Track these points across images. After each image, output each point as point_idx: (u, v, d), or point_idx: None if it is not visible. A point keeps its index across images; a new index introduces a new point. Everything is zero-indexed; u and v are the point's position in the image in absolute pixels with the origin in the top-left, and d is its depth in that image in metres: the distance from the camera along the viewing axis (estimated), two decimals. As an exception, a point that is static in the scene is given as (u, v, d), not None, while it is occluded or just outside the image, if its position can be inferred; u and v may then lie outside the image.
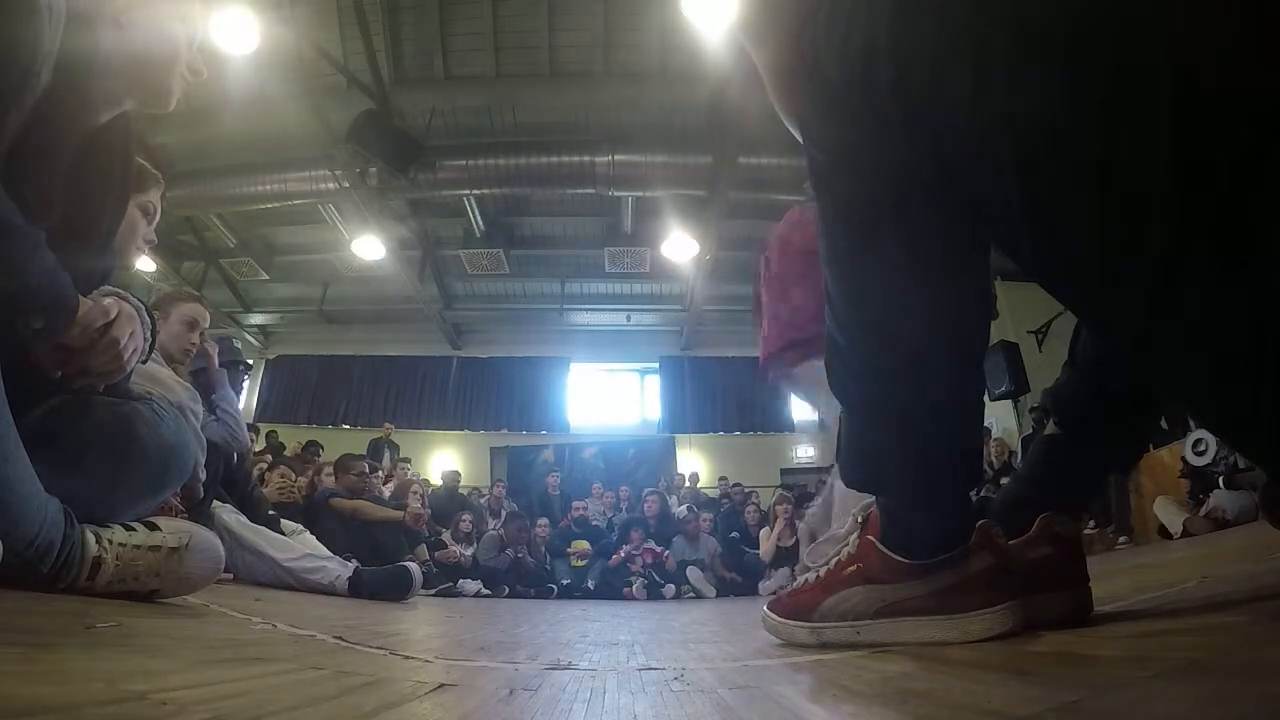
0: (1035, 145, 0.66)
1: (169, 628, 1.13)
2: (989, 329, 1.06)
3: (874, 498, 1.11)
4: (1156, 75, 0.57)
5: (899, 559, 1.04)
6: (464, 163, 8.28)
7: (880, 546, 1.07)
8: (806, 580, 1.20)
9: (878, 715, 0.63)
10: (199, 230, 10.59)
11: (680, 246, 9.48)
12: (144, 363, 1.46)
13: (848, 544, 1.15)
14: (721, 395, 12.86)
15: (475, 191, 8.99)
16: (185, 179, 8.37)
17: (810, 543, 3.21)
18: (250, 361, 9.66)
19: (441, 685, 0.78)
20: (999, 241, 0.79)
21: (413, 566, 3.79)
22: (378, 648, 1.19)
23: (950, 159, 0.76)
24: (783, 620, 1.19)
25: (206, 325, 3.17)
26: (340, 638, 1.29)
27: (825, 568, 1.17)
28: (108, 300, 1.27)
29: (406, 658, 1.08)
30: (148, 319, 1.37)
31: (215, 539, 1.53)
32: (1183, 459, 5.14)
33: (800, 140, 1.01)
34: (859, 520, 1.14)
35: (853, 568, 1.11)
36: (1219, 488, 4.83)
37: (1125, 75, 0.59)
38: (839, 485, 3.73)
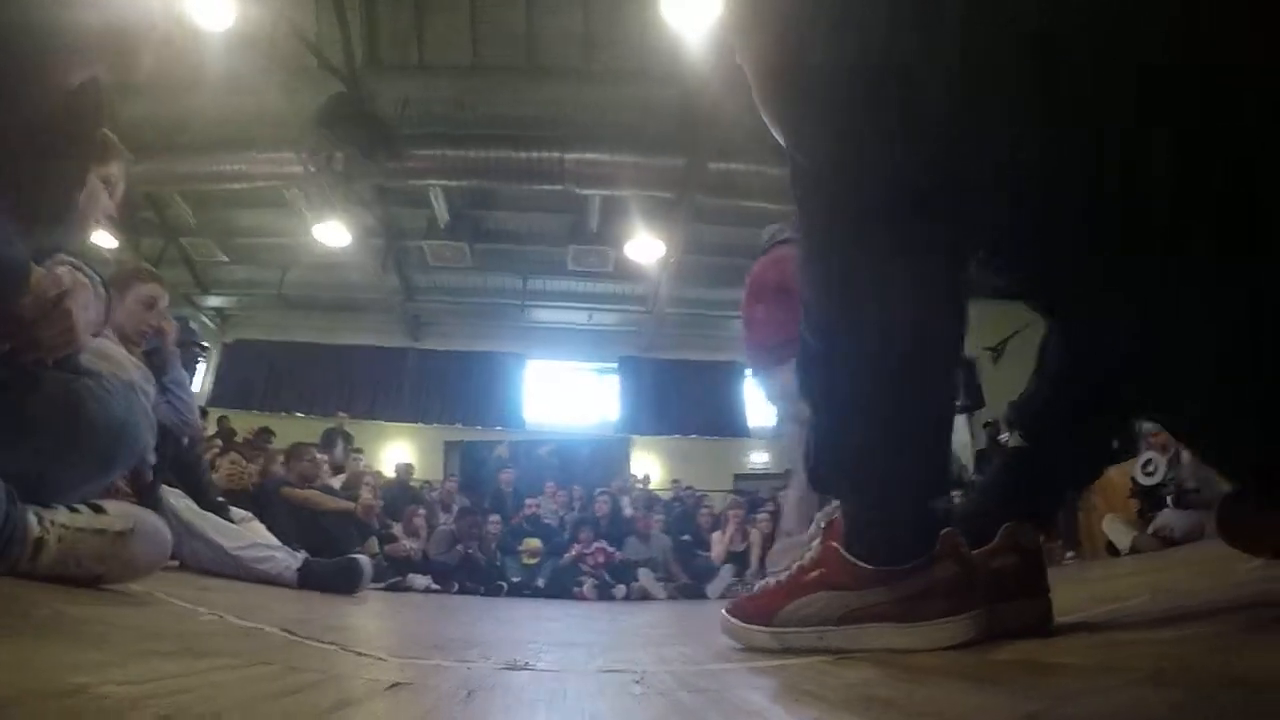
0: (1032, 144, 0.66)
1: (112, 616, 1.09)
2: (964, 340, 1.06)
3: (838, 503, 1.10)
4: (1154, 73, 0.57)
5: (864, 565, 1.04)
6: (433, 152, 8.18)
7: (844, 553, 1.06)
8: (766, 585, 1.19)
9: (842, 722, 0.62)
10: (160, 207, 10.31)
11: (645, 248, 9.48)
12: (95, 336, 1.41)
13: (810, 549, 1.15)
14: (678, 398, 12.87)
15: (442, 182, 8.91)
16: (148, 153, 8.12)
17: None
18: (207, 344, 9.46)
19: (396, 684, 0.76)
20: (988, 247, 0.79)
21: (363, 559, 3.73)
22: (329, 643, 1.16)
23: (942, 158, 0.76)
24: (743, 624, 1.17)
25: (165, 305, 3.10)
26: (290, 631, 1.25)
27: (786, 572, 1.16)
28: (61, 269, 1.22)
29: (359, 654, 1.05)
30: (103, 292, 1.33)
31: (162, 524, 1.49)
32: (1132, 479, 5.25)
33: (784, 143, 1.00)
34: (821, 526, 1.14)
35: (815, 573, 1.10)
36: (1168, 507, 4.94)
37: (1122, 73, 0.59)
38: (791, 491, 3.75)
